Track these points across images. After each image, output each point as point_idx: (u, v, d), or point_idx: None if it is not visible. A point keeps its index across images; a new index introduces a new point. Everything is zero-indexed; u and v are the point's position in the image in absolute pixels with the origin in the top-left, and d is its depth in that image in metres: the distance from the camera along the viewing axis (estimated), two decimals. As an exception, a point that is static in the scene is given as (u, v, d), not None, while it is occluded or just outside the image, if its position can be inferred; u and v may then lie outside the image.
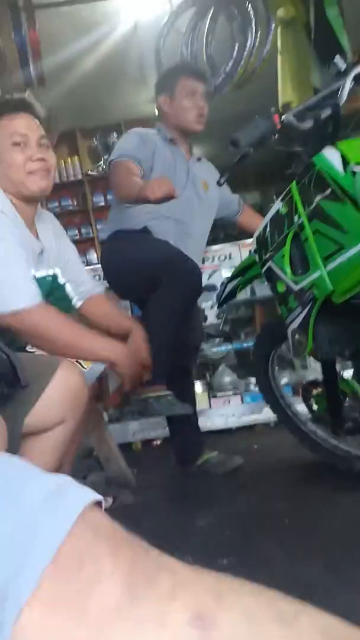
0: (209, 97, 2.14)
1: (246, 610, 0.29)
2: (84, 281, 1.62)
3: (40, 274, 1.42)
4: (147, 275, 1.81)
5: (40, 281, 1.39)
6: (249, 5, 2.76)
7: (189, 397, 2.17)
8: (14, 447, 1.00)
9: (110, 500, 1.61)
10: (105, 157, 4.75)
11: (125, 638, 0.27)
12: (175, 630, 0.28)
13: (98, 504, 0.33)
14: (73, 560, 0.28)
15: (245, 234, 2.34)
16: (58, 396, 1.10)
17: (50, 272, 1.46)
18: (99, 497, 0.33)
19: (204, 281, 2.81)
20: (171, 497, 1.83)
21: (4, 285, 1.22)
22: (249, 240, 2.28)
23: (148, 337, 1.61)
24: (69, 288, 1.54)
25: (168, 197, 1.60)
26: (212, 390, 2.89)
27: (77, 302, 1.58)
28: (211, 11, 2.83)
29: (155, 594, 0.28)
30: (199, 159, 2.17)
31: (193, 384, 2.25)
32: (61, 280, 1.51)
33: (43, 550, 0.28)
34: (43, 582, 0.27)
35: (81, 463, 2.03)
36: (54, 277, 1.48)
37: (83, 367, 1.49)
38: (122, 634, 0.27)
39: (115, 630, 0.27)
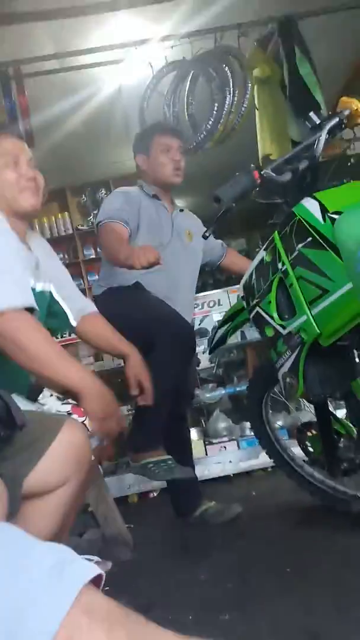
0: (188, 152, 2.24)
1: None
2: (77, 299, 1.59)
3: (39, 287, 1.40)
4: (140, 335, 1.74)
5: (39, 295, 1.35)
6: (226, 67, 2.93)
7: (186, 444, 2.16)
8: (14, 510, 0.95)
9: (110, 564, 1.55)
10: (95, 212, 4.89)
11: None
12: None
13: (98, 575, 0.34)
14: None
15: (233, 279, 2.39)
16: (62, 455, 1.06)
17: (47, 288, 1.45)
18: (98, 571, 0.34)
19: (196, 326, 2.85)
20: (170, 551, 1.79)
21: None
22: (237, 286, 2.34)
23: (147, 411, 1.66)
24: (64, 305, 1.48)
25: (153, 264, 1.65)
26: (207, 437, 2.87)
27: (73, 321, 1.52)
28: (191, 74, 3.00)
29: None
30: (181, 210, 2.25)
31: (189, 430, 2.24)
32: (57, 296, 1.47)
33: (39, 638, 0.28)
34: None
35: (77, 519, 1.98)
36: (50, 293, 1.46)
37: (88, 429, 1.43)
38: None
39: None
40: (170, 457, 1.75)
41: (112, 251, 1.88)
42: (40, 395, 1.42)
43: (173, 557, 1.75)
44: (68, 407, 1.45)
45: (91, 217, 5.20)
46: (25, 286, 1.22)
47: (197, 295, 2.54)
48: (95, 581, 0.36)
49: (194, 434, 2.74)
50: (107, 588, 0.39)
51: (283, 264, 1.45)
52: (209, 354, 1.97)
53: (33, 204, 1.42)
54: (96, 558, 1.53)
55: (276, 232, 1.50)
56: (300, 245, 1.39)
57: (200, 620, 1.29)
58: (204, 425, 2.96)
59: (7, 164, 1.40)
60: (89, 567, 0.33)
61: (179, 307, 1.98)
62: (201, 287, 2.63)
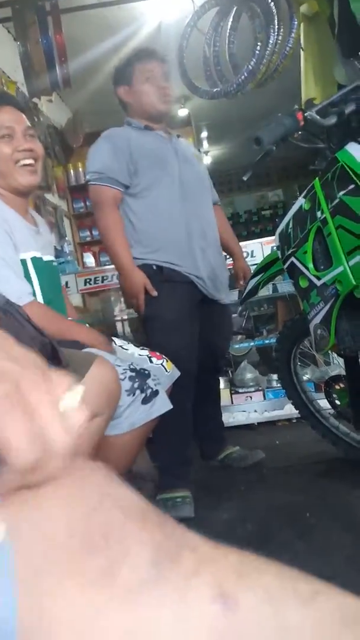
0: (228, 94, 2.09)
1: (267, 589, 0.30)
2: None
3: (47, 257, 1.46)
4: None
5: (46, 264, 1.45)
6: (272, 3, 2.76)
7: (216, 396, 2.20)
8: None
9: None
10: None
11: (147, 615, 0.28)
12: (197, 607, 0.28)
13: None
14: (102, 536, 0.29)
15: (267, 231, 2.33)
16: (92, 390, 1.11)
17: (49, 257, 1.51)
18: None
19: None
20: (194, 491, 1.86)
21: None
22: (271, 238, 2.29)
23: (163, 445, 1.81)
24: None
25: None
26: (234, 386, 2.91)
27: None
28: (234, 10, 2.83)
29: (178, 571, 0.29)
30: (178, 136, 2.06)
31: (218, 382, 2.25)
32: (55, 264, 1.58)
33: None
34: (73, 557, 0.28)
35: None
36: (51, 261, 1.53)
37: (166, 371, 1.53)
38: (144, 610, 0.28)
39: (137, 607, 0.28)
40: (185, 494, 1.77)
41: (108, 244, 1.86)
42: (124, 342, 1.58)
43: (195, 496, 1.82)
44: (146, 352, 1.55)
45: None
46: (21, 274, 1.36)
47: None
48: None
49: (220, 383, 2.78)
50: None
51: (322, 212, 1.41)
52: (240, 304, 1.96)
53: (29, 181, 1.41)
54: None
55: (317, 178, 1.45)
56: (341, 193, 1.35)
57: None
58: (231, 375, 3.00)
59: (2, 136, 1.37)
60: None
61: (210, 249, 1.94)
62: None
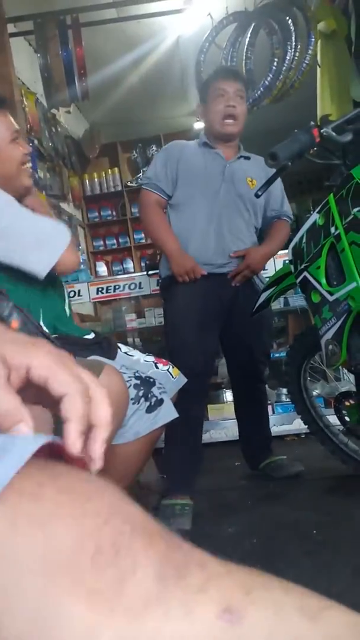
0: (253, 102, 2.08)
1: (274, 605, 0.30)
2: None
3: None
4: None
5: None
6: (290, 20, 2.79)
7: (257, 402, 2.19)
8: None
9: None
10: (144, 169, 4.85)
11: (155, 628, 0.28)
12: (204, 622, 0.28)
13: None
14: (111, 550, 0.29)
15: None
16: None
17: None
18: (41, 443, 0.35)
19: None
20: (199, 505, 1.85)
21: (47, 237, 1.26)
22: (284, 251, 2.30)
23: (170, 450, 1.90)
24: None
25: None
26: (243, 399, 2.89)
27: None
28: (252, 26, 2.87)
29: (185, 586, 0.29)
30: (246, 158, 2.08)
31: (259, 389, 2.20)
32: None
33: None
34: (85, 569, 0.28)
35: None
36: None
37: (172, 377, 1.54)
38: (151, 624, 0.28)
39: (145, 621, 0.28)
40: (186, 502, 1.80)
41: (154, 237, 2.03)
42: (129, 349, 1.59)
43: (200, 509, 1.81)
44: (152, 358, 1.56)
45: (140, 174, 5.16)
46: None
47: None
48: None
49: (228, 395, 2.77)
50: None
51: (336, 228, 1.41)
52: (251, 317, 1.95)
53: (30, 183, 1.44)
54: None
55: (331, 194, 1.45)
56: (356, 209, 1.35)
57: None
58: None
59: (15, 139, 1.37)
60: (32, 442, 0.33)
61: (233, 266, 1.99)
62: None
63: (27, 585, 0.28)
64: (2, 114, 1.36)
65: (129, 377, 1.30)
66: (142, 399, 1.29)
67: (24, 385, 0.38)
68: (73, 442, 0.36)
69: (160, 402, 1.31)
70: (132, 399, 1.26)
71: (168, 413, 1.33)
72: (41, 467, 0.32)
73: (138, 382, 1.31)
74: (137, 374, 1.32)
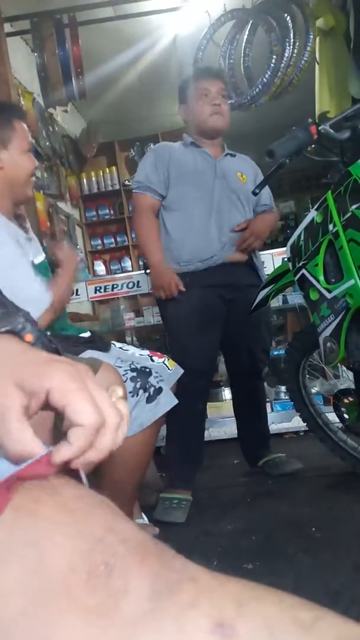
0: (242, 106, 2.11)
1: (266, 618, 0.30)
2: None
3: (38, 259, 1.48)
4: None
5: (42, 265, 1.46)
6: (288, 17, 2.78)
7: (256, 400, 2.19)
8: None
9: (157, 530, 1.63)
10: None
11: None
12: (195, 637, 0.28)
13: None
14: (104, 571, 0.30)
15: (278, 242, 2.33)
16: None
17: (42, 258, 1.52)
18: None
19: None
20: (198, 502, 1.85)
21: (29, 288, 1.27)
22: (283, 249, 2.30)
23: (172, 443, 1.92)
24: None
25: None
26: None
27: None
28: (250, 23, 2.86)
29: (176, 602, 0.29)
30: (232, 155, 2.13)
31: (258, 387, 2.21)
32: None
33: None
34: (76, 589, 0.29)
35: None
36: (46, 261, 1.54)
37: (169, 369, 1.55)
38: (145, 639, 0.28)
39: (138, 637, 0.28)
40: (184, 497, 1.82)
41: (141, 245, 2.07)
42: (123, 345, 1.60)
43: (200, 507, 1.81)
44: (147, 352, 1.58)
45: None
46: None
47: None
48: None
49: (228, 394, 2.77)
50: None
51: (334, 225, 1.41)
52: (249, 314, 1.95)
53: (31, 196, 1.47)
54: (144, 520, 1.64)
55: (329, 191, 1.45)
56: (354, 207, 1.35)
57: (224, 566, 1.34)
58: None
59: (29, 150, 1.40)
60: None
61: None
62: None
63: (20, 608, 0.29)
64: (21, 124, 1.40)
65: (125, 370, 1.31)
66: (141, 391, 1.30)
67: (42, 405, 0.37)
68: (61, 458, 0.35)
69: (159, 390, 1.32)
70: (130, 392, 1.27)
71: (168, 401, 1.34)
72: (41, 482, 0.33)
73: (134, 374, 1.31)
74: (132, 366, 1.33)
